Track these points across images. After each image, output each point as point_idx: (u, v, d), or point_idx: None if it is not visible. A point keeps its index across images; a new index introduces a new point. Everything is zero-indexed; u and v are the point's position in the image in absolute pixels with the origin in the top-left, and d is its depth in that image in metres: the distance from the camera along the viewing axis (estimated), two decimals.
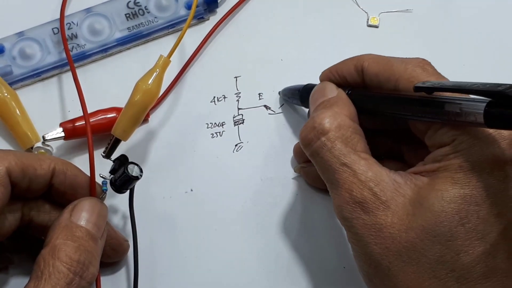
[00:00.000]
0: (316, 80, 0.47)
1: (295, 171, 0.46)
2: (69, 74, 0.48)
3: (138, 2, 0.50)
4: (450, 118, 0.32)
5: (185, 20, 0.50)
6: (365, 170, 0.34)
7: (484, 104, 0.29)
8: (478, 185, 0.31)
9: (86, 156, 0.40)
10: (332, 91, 0.39)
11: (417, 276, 0.31)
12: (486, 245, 0.31)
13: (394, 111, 0.36)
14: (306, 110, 0.47)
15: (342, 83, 0.40)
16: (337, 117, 0.36)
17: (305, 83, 0.46)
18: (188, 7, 0.50)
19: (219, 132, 0.48)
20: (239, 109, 0.48)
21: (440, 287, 0.31)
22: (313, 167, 0.37)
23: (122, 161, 0.40)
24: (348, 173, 0.34)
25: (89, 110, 0.43)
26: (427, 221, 0.31)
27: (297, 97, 0.45)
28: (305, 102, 0.44)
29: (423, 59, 0.36)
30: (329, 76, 0.41)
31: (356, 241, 0.34)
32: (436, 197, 0.31)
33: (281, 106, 0.48)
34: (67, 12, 0.50)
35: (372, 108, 0.38)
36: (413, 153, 0.39)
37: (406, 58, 0.37)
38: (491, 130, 0.32)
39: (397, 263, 0.32)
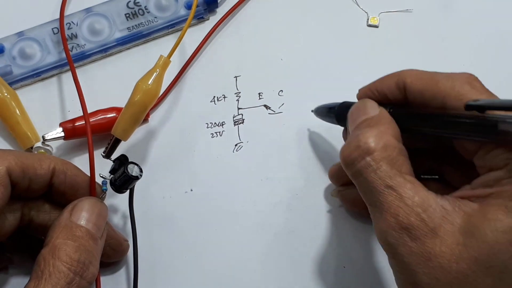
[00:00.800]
0: (316, 80, 0.48)
1: (332, 196, 0.44)
2: (69, 74, 0.48)
3: (138, 2, 0.50)
4: (505, 138, 0.30)
5: (185, 20, 0.50)
6: (411, 195, 0.32)
7: None
8: None
9: (86, 156, 0.40)
10: (374, 109, 0.37)
11: None
12: None
13: (441, 130, 0.34)
14: (341, 128, 0.45)
15: (382, 101, 0.38)
16: (382, 137, 0.34)
17: (307, 82, 0.46)
18: (188, 7, 0.50)
19: (219, 132, 0.48)
20: (239, 109, 0.48)
21: None
22: (351, 190, 0.36)
23: (122, 161, 0.40)
24: (394, 196, 0.32)
25: (89, 110, 0.43)
26: (479, 252, 0.30)
27: (332, 115, 0.42)
28: (341, 120, 0.41)
29: (471, 75, 0.34)
30: (367, 93, 0.39)
31: (402, 269, 0.32)
32: (489, 227, 0.30)
33: (281, 105, 0.48)
34: (67, 12, 0.50)
35: (417, 127, 0.36)
36: (456, 174, 0.38)
37: (452, 73, 0.35)
38: None
39: None
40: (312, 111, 0.46)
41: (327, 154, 0.46)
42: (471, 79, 0.34)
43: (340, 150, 0.36)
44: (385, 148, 0.34)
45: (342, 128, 0.42)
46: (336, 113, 0.42)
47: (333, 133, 0.47)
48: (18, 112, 0.45)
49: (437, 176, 0.40)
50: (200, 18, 0.51)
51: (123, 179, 0.39)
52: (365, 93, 0.39)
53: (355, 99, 0.40)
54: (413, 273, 0.31)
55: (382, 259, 0.43)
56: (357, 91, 0.40)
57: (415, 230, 0.31)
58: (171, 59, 0.43)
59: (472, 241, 0.30)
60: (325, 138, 0.47)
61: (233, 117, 0.48)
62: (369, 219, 0.35)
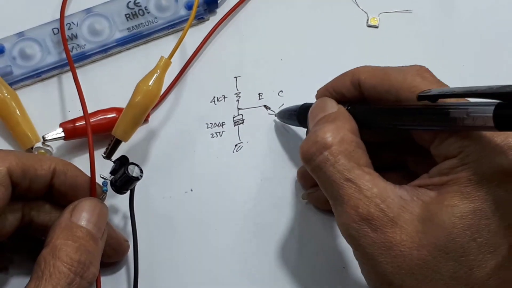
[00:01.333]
0: (316, 80, 0.47)
1: (302, 198, 0.45)
2: (69, 74, 0.48)
3: (138, 3, 0.50)
4: (458, 124, 0.31)
5: (185, 21, 0.50)
6: (370, 186, 0.33)
7: (493, 107, 0.28)
8: (487, 198, 0.30)
9: (86, 156, 0.40)
10: (333, 106, 0.38)
11: None
12: (498, 258, 0.30)
13: (397, 122, 0.35)
14: (304, 130, 0.47)
15: (340, 99, 0.39)
16: (339, 131, 0.35)
17: (307, 82, 0.46)
18: (188, 7, 0.50)
19: (219, 132, 0.48)
20: (239, 109, 0.48)
21: None
22: (319, 191, 0.36)
23: (123, 161, 0.40)
24: (353, 189, 0.33)
25: (89, 110, 0.43)
26: (438, 238, 0.30)
27: (295, 117, 0.44)
28: (303, 122, 0.43)
29: (421, 66, 0.35)
30: (325, 93, 0.40)
31: (366, 260, 0.33)
32: (447, 213, 0.31)
33: (281, 106, 0.48)
34: (67, 12, 0.50)
35: (374, 122, 0.37)
36: (418, 163, 0.39)
37: (403, 67, 0.36)
38: (498, 140, 0.31)
39: (410, 281, 0.31)
40: (275, 115, 0.48)
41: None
42: (422, 71, 0.35)
43: (299, 146, 0.36)
44: (342, 142, 0.34)
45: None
46: (297, 114, 0.43)
47: None
48: (18, 112, 0.45)
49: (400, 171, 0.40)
50: (200, 18, 0.51)
51: (124, 180, 0.39)
52: (323, 93, 0.41)
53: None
54: (376, 263, 0.32)
55: None
56: None
57: (375, 221, 0.32)
58: (171, 59, 0.43)
59: (431, 228, 0.31)
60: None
61: (233, 117, 0.48)
62: None
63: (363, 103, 0.38)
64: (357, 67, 0.38)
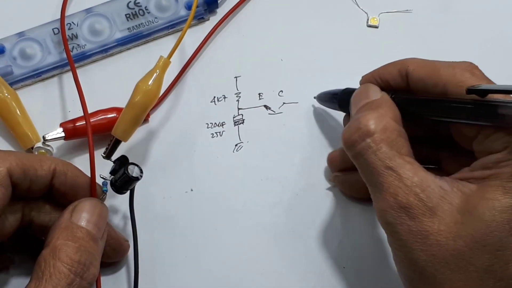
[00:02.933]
0: (316, 80, 0.48)
1: (329, 181, 0.45)
2: (70, 74, 0.48)
3: (138, 3, 0.50)
4: (505, 121, 0.31)
5: (185, 21, 0.50)
6: (411, 175, 0.33)
7: None
8: None
9: (87, 156, 0.40)
10: (376, 93, 0.38)
11: (464, 284, 0.31)
12: None
13: (442, 114, 0.35)
14: (342, 115, 0.46)
15: (385, 87, 0.39)
16: (382, 119, 0.35)
17: (307, 82, 0.46)
18: (188, 7, 0.50)
19: (219, 132, 0.48)
20: (239, 109, 0.48)
21: None
22: (347, 176, 0.37)
23: (123, 161, 0.40)
24: (393, 177, 0.33)
25: (90, 110, 0.43)
26: (476, 230, 0.31)
27: (335, 100, 0.44)
28: (343, 106, 0.43)
29: (471, 63, 0.35)
30: (370, 80, 0.40)
31: (400, 247, 0.33)
32: (487, 206, 0.31)
33: (281, 106, 0.48)
34: (68, 12, 0.50)
35: (418, 112, 0.37)
36: (453, 161, 0.39)
37: (453, 62, 0.36)
38: None
39: (444, 271, 0.31)
40: (314, 97, 0.47)
41: (327, 153, 0.46)
42: (472, 67, 0.35)
43: (342, 133, 0.37)
44: (384, 130, 0.35)
45: (341, 125, 0.43)
46: (338, 98, 0.43)
47: (334, 132, 0.47)
48: (18, 112, 0.45)
49: (434, 166, 0.40)
50: (200, 18, 0.51)
51: (124, 180, 0.39)
52: (368, 80, 0.40)
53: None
54: (410, 250, 0.32)
55: (382, 259, 0.43)
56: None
57: (414, 209, 0.32)
58: (171, 59, 0.43)
59: (470, 220, 0.31)
60: (325, 138, 0.48)
61: (233, 117, 0.48)
62: (368, 214, 0.35)
63: (407, 93, 0.38)
64: (407, 58, 0.38)
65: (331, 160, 0.45)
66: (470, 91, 0.32)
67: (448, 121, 0.35)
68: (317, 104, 0.48)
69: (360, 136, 0.35)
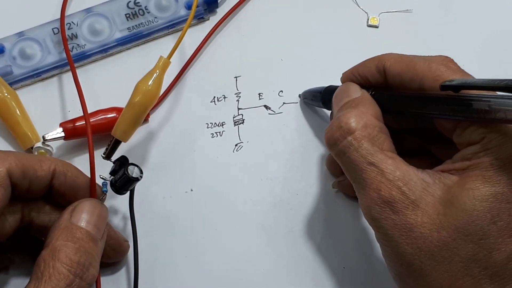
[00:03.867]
0: (316, 80, 0.47)
1: (333, 187, 0.45)
2: (69, 74, 0.48)
3: (138, 2, 0.50)
4: (479, 116, 0.31)
5: (185, 20, 0.50)
6: (392, 170, 0.33)
7: None
8: (509, 182, 0.31)
9: (86, 156, 0.40)
10: (356, 91, 0.39)
11: (450, 274, 0.31)
12: None
13: (419, 110, 0.36)
14: (328, 112, 0.47)
15: (364, 84, 0.40)
16: (363, 117, 0.36)
17: (307, 82, 0.46)
18: (188, 7, 0.50)
19: (219, 132, 0.48)
20: (239, 109, 0.48)
21: (473, 285, 0.31)
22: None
23: (122, 162, 0.40)
24: (375, 173, 0.34)
25: (89, 110, 0.43)
26: (459, 220, 0.31)
27: (319, 99, 0.45)
28: (327, 104, 0.44)
29: (446, 57, 0.36)
30: (350, 77, 0.41)
31: (387, 242, 0.34)
32: (468, 196, 0.31)
33: (281, 106, 0.48)
34: (67, 12, 0.50)
35: (397, 108, 0.38)
36: (442, 150, 0.39)
37: (428, 56, 0.36)
38: None
39: (430, 263, 0.32)
40: (299, 95, 0.48)
41: (327, 154, 0.46)
42: (447, 61, 0.36)
43: (324, 132, 0.37)
44: (365, 127, 0.35)
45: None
46: (322, 96, 0.44)
47: None
48: (18, 112, 0.45)
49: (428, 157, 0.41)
50: (200, 18, 0.51)
51: (123, 180, 0.39)
52: (348, 77, 0.41)
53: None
54: (397, 244, 0.33)
55: (381, 259, 0.43)
56: None
57: (397, 203, 0.33)
58: (171, 59, 0.43)
59: (452, 210, 0.31)
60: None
61: (233, 117, 0.48)
62: None
63: (386, 89, 0.39)
64: (384, 54, 0.39)
65: (330, 164, 0.45)
66: (444, 87, 0.33)
67: (426, 116, 0.36)
68: (302, 103, 0.48)
69: (341, 134, 0.36)
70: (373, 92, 0.39)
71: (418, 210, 0.32)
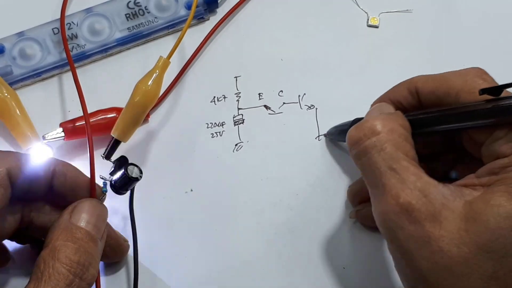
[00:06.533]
0: (316, 80, 0.47)
1: (350, 217, 0.44)
2: (69, 74, 0.48)
3: (138, 2, 0.50)
4: None
5: (185, 20, 0.50)
6: (414, 179, 0.32)
7: None
8: None
9: (86, 156, 0.40)
10: (390, 109, 0.38)
11: None
12: None
13: (456, 121, 0.34)
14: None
15: (397, 109, 0.38)
16: (390, 122, 0.34)
17: (307, 82, 0.46)
18: (188, 7, 0.50)
19: (219, 132, 0.48)
20: (239, 109, 0.48)
21: None
22: (369, 207, 0.35)
23: (122, 162, 0.40)
24: (396, 179, 0.32)
25: (89, 110, 0.43)
26: (481, 237, 0.30)
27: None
28: None
29: (480, 69, 0.35)
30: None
31: (401, 254, 0.32)
32: (492, 212, 0.30)
33: (281, 106, 0.48)
34: (67, 12, 0.50)
35: (431, 124, 0.36)
36: (468, 172, 0.38)
37: (460, 70, 0.35)
38: None
39: (447, 278, 0.31)
40: (324, 135, 0.47)
41: (327, 154, 0.46)
42: (481, 73, 0.35)
43: (347, 131, 0.36)
44: (391, 131, 0.34)
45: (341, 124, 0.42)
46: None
47: None
48: (18, 112, 0.45)
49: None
50: (200, 18, 0.51)
51: (123, 180, 0.39)
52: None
53: (356, 100, 0.40)
54: (412, 257, 0.32)
55: (382, 260, 0.43)
56: (356, 92, 0.40)
57: (415, 213, 0.31)
58: (171, 59, 0.43)
59: (474, 226, 0.30)
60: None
61: (233, 117, 0.48)
62: None
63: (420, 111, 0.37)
64: (413, 76, 0.38)
65: (352, 193, 0.44)
66: (483, 90, 0.32)
67: (462, 127, 0.35)
68: (328, 141, 0.47)
69: (365, 134, 0.34)
70: (406, 114, 0.37)
71: (437, 222, 0.31)
